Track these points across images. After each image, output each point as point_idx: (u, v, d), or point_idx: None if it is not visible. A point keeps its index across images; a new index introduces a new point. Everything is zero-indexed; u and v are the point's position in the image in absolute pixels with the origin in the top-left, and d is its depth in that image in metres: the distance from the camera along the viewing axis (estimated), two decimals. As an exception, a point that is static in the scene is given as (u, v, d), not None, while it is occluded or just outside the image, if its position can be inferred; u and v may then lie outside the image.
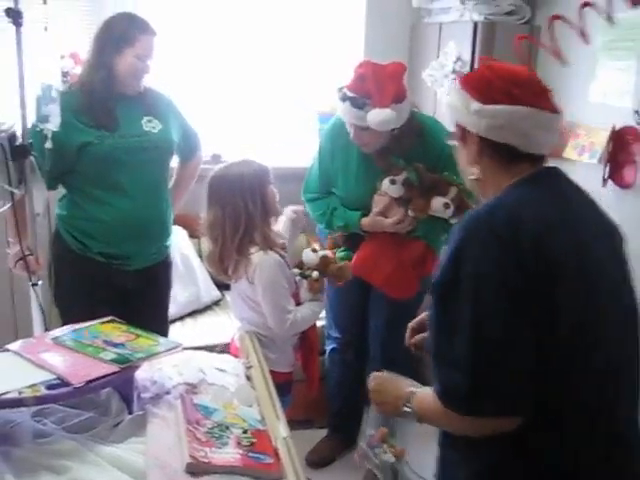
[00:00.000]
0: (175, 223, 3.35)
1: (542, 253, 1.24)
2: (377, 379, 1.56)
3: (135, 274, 2.41)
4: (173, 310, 3.07)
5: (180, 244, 3.31)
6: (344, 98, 2.36)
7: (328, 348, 3.01)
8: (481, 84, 1.36)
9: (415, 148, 2.46)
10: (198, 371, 1.95)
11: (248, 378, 2.01)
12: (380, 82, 2.27)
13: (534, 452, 1.29)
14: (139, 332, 1.87)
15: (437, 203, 2.43)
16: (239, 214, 2.17)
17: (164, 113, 2.43)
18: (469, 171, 1.43)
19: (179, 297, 3.16)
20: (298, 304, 2.28)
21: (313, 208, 2.68)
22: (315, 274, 2.29)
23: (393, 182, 2.41)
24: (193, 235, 3.45)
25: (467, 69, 2.96)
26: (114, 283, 2.38)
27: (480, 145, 1.37)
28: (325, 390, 2.99)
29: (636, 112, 2.34)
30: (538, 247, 1.24)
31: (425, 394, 1.39)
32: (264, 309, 2.22)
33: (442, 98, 2.94)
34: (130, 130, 2.33)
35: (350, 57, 3.63)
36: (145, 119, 2.37)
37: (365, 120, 2.30)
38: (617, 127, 2.44)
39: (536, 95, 1.34)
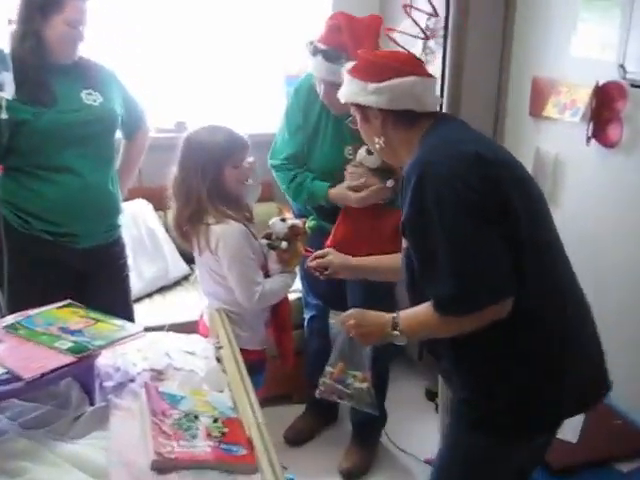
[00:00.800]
0: (139, 196, 3.23)
1: (485, 169, 1.48)
2: (354, 315, 1.69)
3: (84, 253, 2.27)
4: (139, 287, 2.95)
5: (145, 217, 3.16)
6: (315, 52, 2.20)
7: (307, 316, 2.90)
8: (370, 68, 1.64)
9: None
10: (164, 355, 1.83)
11: (218, 360, 1.89)
12: (357, 33, 2.11)
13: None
14: (99, 316, 1.73)
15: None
16: (189, 185, 2.08)
17: (105, 85, 2.27)
18: (376, 142, 1.68)
19: (146, 273, 3.02)
20: (267, 277, 2.16)
21: (280, 177, 2.55)
22: (284, 244, 2.17)
23: (370, 152, 2.28)
24: (159, 207, 3.29)
25: (441, 25, 2.80)
26: (63, 263, 2.25)
27: (383, 117, 1.64)
28: (304, 362, 2.88)
29: (621, 66, 2.22)
30: (480, 165, 1.48)
31: (411, 313, 1.59)
32: (231, 282, 2.10)
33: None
34: (69, 104, 2.16)
35: (317, 14, 3.47)
36: (84, 92, 2.20)
37: (340, 76, 2.12)
38: (601, 83, 2.32)
39: (416, 66, 1.66)
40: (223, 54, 3.53)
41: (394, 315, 1.59)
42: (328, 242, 2.39)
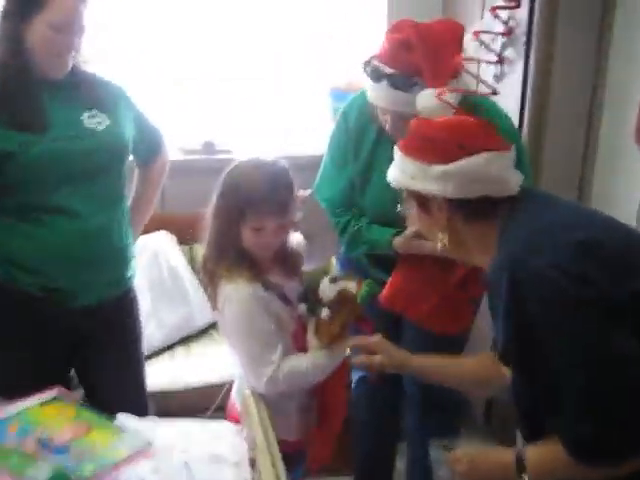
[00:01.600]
0: (160, 227, 2.79)
1: (599, 256, 1.17)
2: (468, 456, 1.36)
3: (83, 313, 1.82)
4: (159, 336, 2.52)
5: (167, 253, 2.71)
6: (379, 77, 1.71)
7: (355, 377, 2.41)
8: (430, 145, 1.31)
9: None
10: (182, 467, 1.38)
11: (252, 463, 1.44)
12: (434, 51, 1.60)
13: None
14: (93, 419, 1.30)
15: None
16: (212, 224, 1.68)
17: (112, 104, 1.82)
18: (439, 238, 1.37)
19: (166, 320, 2.57)
20: (302, 350, 1.69)
21: (331, 221, 2.05)
22: (324, 313, 1.66)
23: None
24: (183, 241, 2.86)
25: (524, 29, 2.33)
26: (57, 325, 1.81)
27: (450, 208, 1.32)
28: (351, 430, 2.40)
29: None
30: (591, 252, 1.17)
31: (537, 455, 1.25)
32: (235, 357, 1.68)
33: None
34: (66, 130, 1.71)
35: (368, 17, 3.01)
36: (86, 114, 1.75)
37: (413, 105, 1.62)
38: None
39: (489, 137, 1.32)
40: (258, 64, 3.09)
41: (519, 456, 1.24)
42: (384, 293, 1.91)
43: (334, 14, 3.09)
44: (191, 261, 2.82)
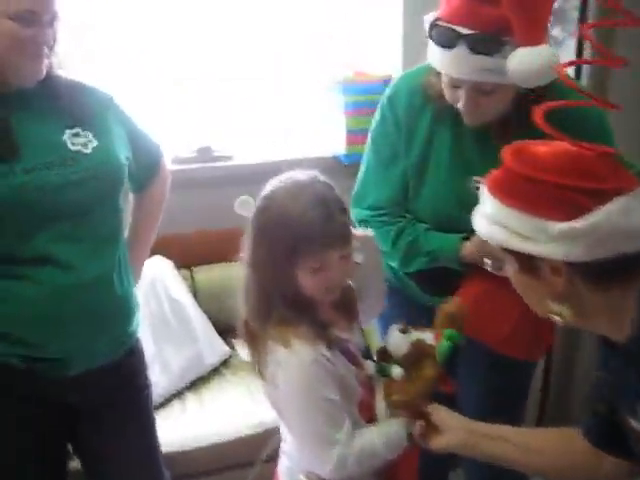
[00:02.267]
0: (155, 251, 2.41)
1: None
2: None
3: (79, 383, 1.45)
4: (164, 384, 2.16)
5: (165, 282, 2.32)
6: (452, 39, 1.33)
7: None
8: (542, 192, 0.98)
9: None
10: None
11: None
12: (517, 4, 1.24)
13: None
14: None
15: None
16: (254, 273, 1.29)
17: (99, 119, 1.45)
18: (552, 310, 1.06)
19: (173, 365, 2.19)
20: (370, 420, 1.33)
21: (380, 231, 1.62)
22: (396, 372, 1.31)
23: None
24: (182, 265, 2.48)
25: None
26: (46, 400, 1.45)
27: (569, 272, 0.99)
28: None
29: None
30: None
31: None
32: (293, 436, 1.31)
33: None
34: (43, 155, 1.34)
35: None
36: (68, 133, 1.38)
37: (501, 72, 1.30)
38: None
39: (616, 173, 1.00)
40: (257, 63, 2.70)
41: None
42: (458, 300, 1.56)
43: (334, 10, 2.72)
44: (193, 288, 2.45)
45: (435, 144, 1.58)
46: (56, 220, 1.33)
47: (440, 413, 1.28)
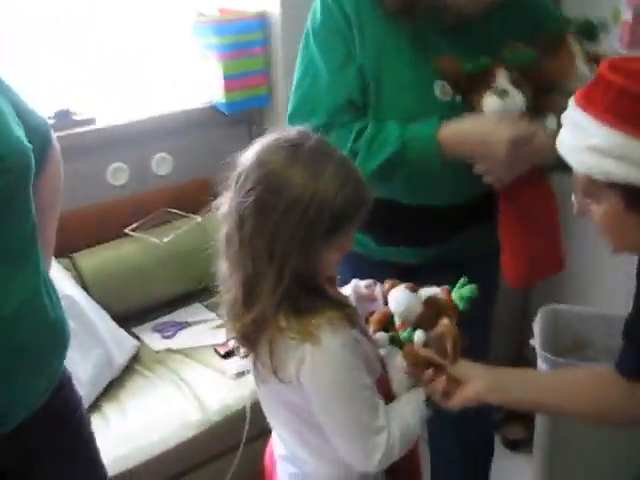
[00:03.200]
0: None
1: None
2: None
3: (11, 438, 1.18)
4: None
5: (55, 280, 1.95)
6: None
7: None
8: None
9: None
10: None
11: None
12: None
13: None
14: None
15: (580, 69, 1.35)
16: (259, 267, 1.07)
17: None
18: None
19: (81, 373, 1.85)
20: (387, 396, 1.20)
21: (336, 137, 1.37)
22: (418, 336, 1.19)
23: (504, 93, 1.31)
24: (60, 253, 2.10)
25: None
26: None
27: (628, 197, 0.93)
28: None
29: None
30: None
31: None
32: (330, 433, 1.15)
33: None
34: None
35: None
36: None
37: None
38: None
39: None
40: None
41: None
42: (512, 277, 1.48)
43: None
44: (80, 279, 2.10)
45: (392, 41, 1.40)
46: None
47: (460, 365, 1.19)
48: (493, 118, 1.32)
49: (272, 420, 1.26)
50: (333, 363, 1.08)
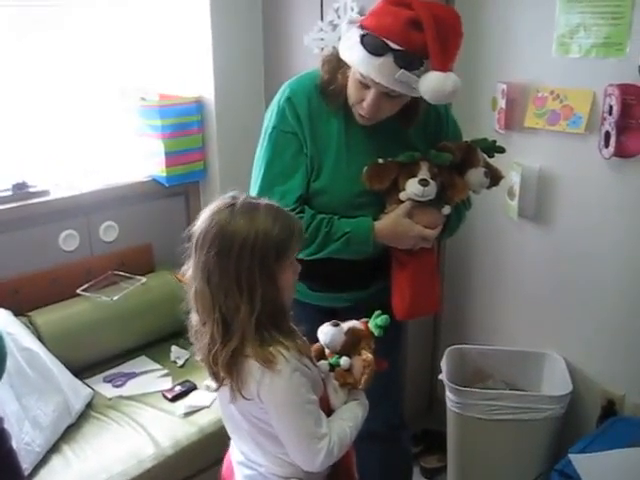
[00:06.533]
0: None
1: None
2: None
3: None
4: (41, 441, 2.04)
5: (12, 333, 2.14)
6: (381, 50, 1.53)
7: None
8: None
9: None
10: None
11: None
12: (445, 34, 1.50)
13: None
14: None
15: (476, 175, 1.79)
16: (230, 305, 1.34)
17: None
18: None
19: (42, 420, 2.03)
20: (327, 412, 1.48)
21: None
22: (344, 361, 1.50)
23: (425, 182, 1.70)
24: (17, 312, 2.30)
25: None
26: None
27: None
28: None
29: (640, 67, 1.95)
30: None
31: None
32: (283, 439, 1.41)
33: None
34: None
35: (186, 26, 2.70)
36: None
37: (413, 85, 1.54)
38: (608, 86, 2.04)
39: None
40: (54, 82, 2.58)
41: None
42: (400, 312, 1.81)
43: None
44: (37, 334, 2.30)
45: (331, 137, 1.75)
46: None
47: None
48: (404, 218, 1.73)
49: (234, 433, 1.51)
50: (286, 384, 1.34)
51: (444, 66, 1.51)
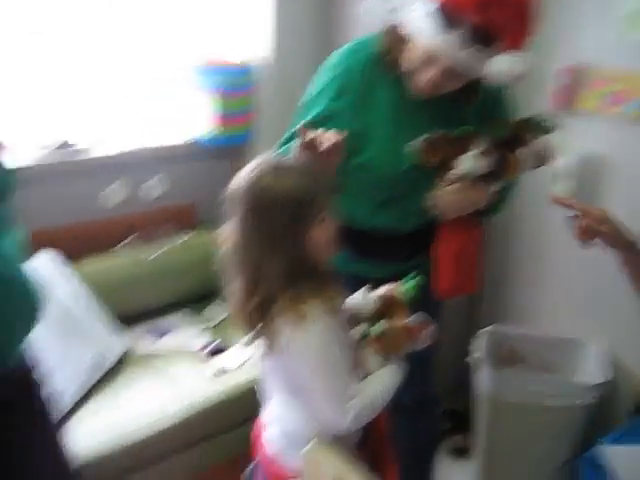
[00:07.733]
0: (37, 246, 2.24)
1: None
2: None
3: None
4: (75, 386, 2.06)
5: (51, 281, 2.18)
6: (454, 25, 1.45)
7: None
8: None
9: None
10: None
11: None
12: (522, 13, 1.45)
13: None
14: None
15: (527, 154, 1.69)
16: (259, 259, 1.36)
17: None
18: None
19: (78, 369, 2.08)
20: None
21: None
22: (376, 328, 1.49)
23: (479, 157, 1.65)
24: (71, 255, 2.35)
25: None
26: None
27: None
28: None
29: None
30: None
31: None
32: (313, 397, 1.42)
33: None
34: None
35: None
36: None
37: (481, 65, 1.48)
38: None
39: None
40: (111, 46, 2.58)
41: None
42: (441, 289, 1.79)
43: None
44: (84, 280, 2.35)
45: (380, 109, 1.69)
46: None
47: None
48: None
49: (268, 391, 1.53)
50: (317, 341, 1.35)
51: (516, 45, 1.45)
